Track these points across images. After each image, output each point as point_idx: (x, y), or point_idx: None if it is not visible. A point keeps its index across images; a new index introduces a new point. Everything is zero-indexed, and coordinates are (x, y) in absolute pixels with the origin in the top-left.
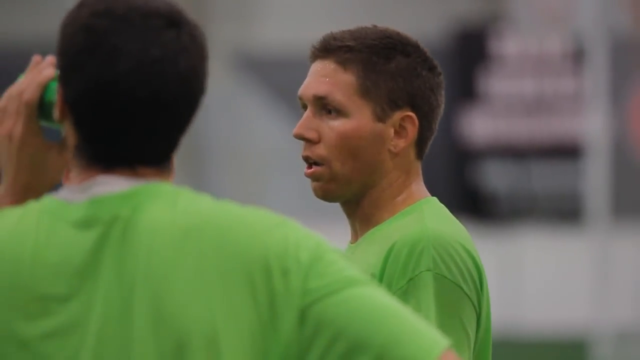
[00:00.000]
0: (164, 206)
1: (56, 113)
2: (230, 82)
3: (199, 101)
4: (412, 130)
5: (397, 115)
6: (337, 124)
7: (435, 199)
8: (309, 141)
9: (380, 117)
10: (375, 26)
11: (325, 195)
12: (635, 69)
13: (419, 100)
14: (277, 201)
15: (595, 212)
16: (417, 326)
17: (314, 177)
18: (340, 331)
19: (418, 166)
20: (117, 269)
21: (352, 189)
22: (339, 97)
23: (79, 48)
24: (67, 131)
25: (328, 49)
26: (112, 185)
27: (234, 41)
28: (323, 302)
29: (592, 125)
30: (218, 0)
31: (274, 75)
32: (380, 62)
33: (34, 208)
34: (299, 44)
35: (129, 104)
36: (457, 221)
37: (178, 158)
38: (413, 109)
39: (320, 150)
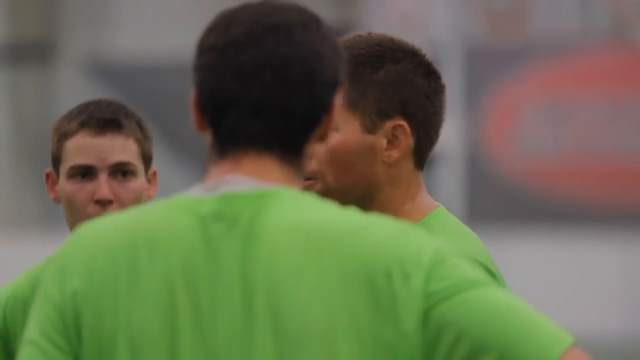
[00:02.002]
0: (289, 211)
1: (193, 123)
2: (84, 89)
3: (320, 86)
4: (405, 139)
5: (389, 125)
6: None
7: (442, 209)
8: None
9: (370, 129)
10: (369, 34)
11: None
12: (489, 77)
13: (412, 108)
14: None
15: None
16: (540, 324)
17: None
18: (463, 332)
19: (419, 176)
20: (240, 265)
21: (349, 203)
22: None
23: (204, 32)
24: (208, 139)
25: None
26: (241, 185)
27: (88, 48)
28: (445, 304)
29: (446, 133)
30: (71, 8)
31: (128, 82)
32: (367, 71)
33: (168, 204)
34: (153, 51)
35: (239, 69)
36: (469, 232)
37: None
38: (406, 118)
39: (312, 166)
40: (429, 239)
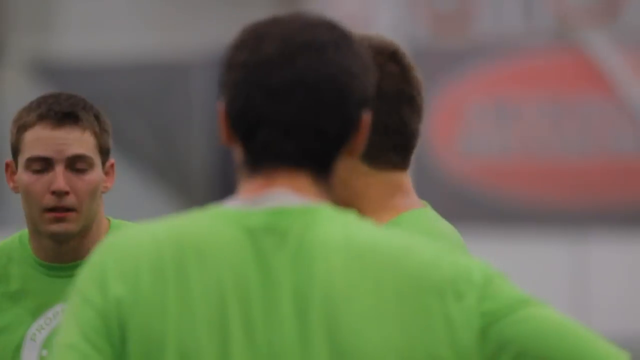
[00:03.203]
0: (336, 228)
1: (222, 138)
2: (29, 89)
3: (351, 105)
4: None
5: None
6: None
7: (421, 210)
8: None
9: None
10: None
11: None
12: (434, 78)
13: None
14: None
15: None
16: (595, 341)
17: None
18: (523, 349)
19: (384, 177)
20: (292, 279)
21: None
22: None
23: (232, 48)
24: (235, 154)
25: None
26: (289, 200)
27: (32, 50)
28: (502, 323)
29: None
30: (16, 8)
31: (73, 83)
32: None
33: (209, 214)
34: (98, 53)
35: (271, 88)
36: (447, 233)
37: None
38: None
39: None
40: (472, 257)
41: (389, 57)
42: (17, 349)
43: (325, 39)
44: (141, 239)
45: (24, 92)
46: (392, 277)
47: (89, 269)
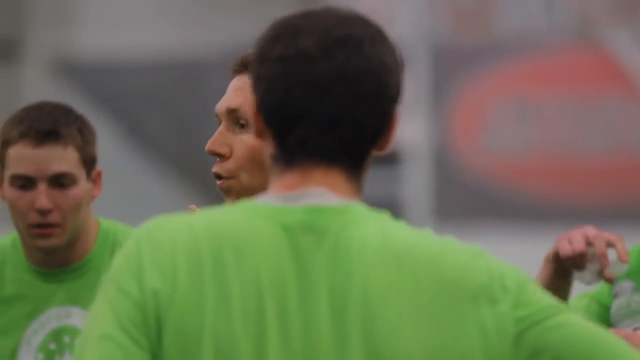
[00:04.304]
0: (372, 228)
1: (255, 130)
2: (49, 87)
3: (388, 100)
4: None
5: None
6: (248, 137)
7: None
8: (220, 156)
9: None
10: None
11: None
12: (455, 75)
13: None
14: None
15: (416, 219)
16: (625, 348)
17: (224, 191)
18: (557, 356)
19: None
20: (328, 278)
21: None
22: (250, 109)
23: (265, 41)
24: (264, 147)
25: (245, 63)
26: (326, 198)
27: (53, 47)
28: (536, 329)
29: (413, 132)
30: (37, 5)
31: (94, 81)
32: None
33: (245, 209)
34: (119, 50)
35: (311, 82)
36: None
37: None
38: None
39: (229, 165)
40: (504, 262)
41: None
42: (13, 352)
43: (362, 34)
44: (178, 230)
45: (44, 89)
46: (428, 280)
47: (124, 258)
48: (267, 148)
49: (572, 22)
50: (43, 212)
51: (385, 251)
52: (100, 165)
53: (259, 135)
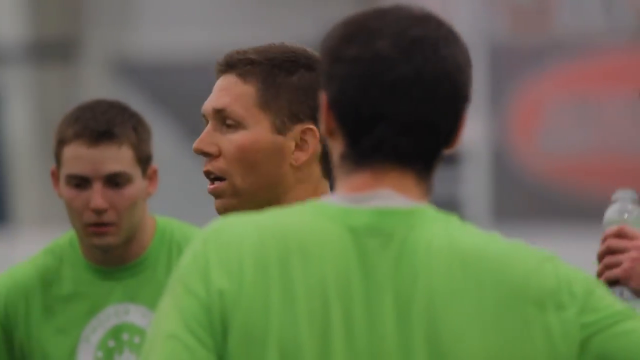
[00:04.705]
0: (439, 231)
1: (323, 129)
2: (108, 87)
3: (462, 101)
4: (313, 143)
5: (298, 128)
6: (236, 137)
7: None
8: (209, 155)
9: (280, 130)
10: (283, 43)
11: (228, 212)
12: (514, 75)
13: None
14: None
15: (475, 219)
16: None
17: (215, 194)
18: None
19: (326, 185)
20: (393, 281)
21: (255, 204)
22: (237, 109)
23: (338, 40)
24: (332, 145)
25: (230, 63)
26: (393, 201)
27: (111, 46)
28: (603, 335)
29: (472, 132)
30: (95, 5)
31: (152, 80)
32: (282, 74)
33: (312, 210)
34: (178, 50)
35: (389, 84)
36: None
37: None
38: (316, 125)
39: (220, 164)
40: (573, 267)
41: (313, 60)
42: (73, 350)
43: (436, 34)
44: (245, 230)
45: (103, 89)
46: (493, 284)
47: (191, 258)
48: (336, 147)
49: (631, 22)
50: (98, 212)
51: (451, 254)
52: (158, 164)
53: (328, 133)
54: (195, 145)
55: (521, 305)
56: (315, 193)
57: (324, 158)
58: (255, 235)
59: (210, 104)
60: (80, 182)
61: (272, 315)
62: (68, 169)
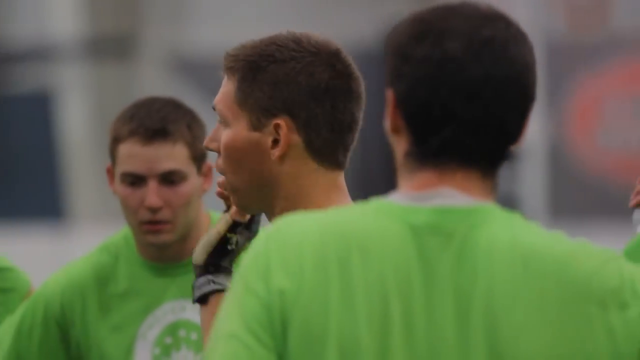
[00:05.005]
0: (501, 229)
1: (387, 125)
2: (165, 83)
3: (529, 101)
4: (285, 138)
5: (272, 124)
6: (223, 135)
7: None
8: (214, 151)
9: (256, 126)
10: (275, 36)
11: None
12: (571, 72)
13: (296, 108)
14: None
15: (532, 216)
16: None
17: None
18: None
19: (330, 175)
20: (453, 280)
21: (252, 200)
22: (221, 107)
23: (407, 39)
24: (396, 142)
25: (224, 59)
26: (455, 199)
27: (169, 43)
28: None
29: (529, 129)
30: (152, 2)
31: (209, 77)
32: (256, 70)
33: (373, 208)
34: (234, 46)
35: (459, 85)
36: None
37: None
38: (291, 117)
39: (219, 161)
40: (636, 266)
41: (336, 55)
42: (130, 347)
43: (505, 35)
44: (306, 229)
45: (160, 86)
46: (555, 284)
47: (252, 257)
48: (400, 144)
49: None
50: (153, 210)
51: (512, 253)
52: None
53: (394, 130)
54: (204, 142)
55: (583, 305)
56: (315, 186)
57: (310, 148)
58: (316, 234)
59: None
60: (135, 180)
61: (331, 313)
62: (123, 166)
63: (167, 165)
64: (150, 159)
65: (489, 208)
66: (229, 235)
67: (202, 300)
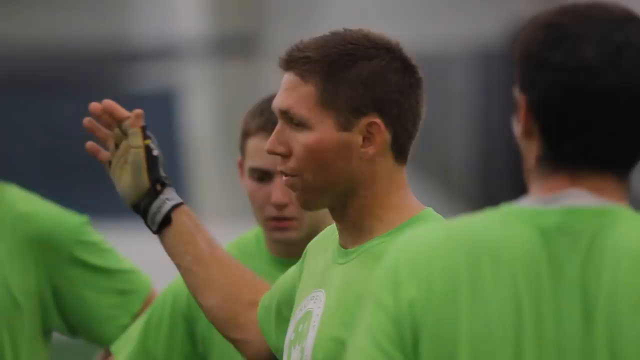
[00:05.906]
0: (630, 231)
1: (518, 130)
2: None
3: None
4: (380, 136)
5: (363, 123)
6: (303, 137)
7: (430, 210)
8: (280, 155)
9: (345, 126)
10: (344, 30)
11: (304, 205)
12: None
13: (386, 105)
14: None
15: None
16: None
17: (289, 187)
18: None
19: (401, 172)
20: (580, 280)
21: (329, 199)
22: (300, 110)
23: (541, 44)
24: (527, 146)
25: (290, 60)
26: (584, 200)
27: (293, 41)
28: None
29: None
30: (277, 0)
31: None
32: (340, 70)
33: (502, 213)
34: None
35: (596, 93)
36: None
37: None
38: (380, 114)
39: (291, 164)
40: None
41: (402, 50)
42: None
43: (638, 39)
44: (435, 239)
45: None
46: None
47: (383, 271)
48: (531, 148)
49: None
50: (279, 206)
51: (638, 255)
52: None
53: (525, 134)
54: (267, 146)
55: None
56: (391, 183)
57: (395, 145)
58: (444, 243)
59: (276, 103)
60: (263, 176)
61: (462, 320)
62: (251, 161)
63: None
64: None
65: (620, 209)
66: (146, 142)
67: (167, 220)
